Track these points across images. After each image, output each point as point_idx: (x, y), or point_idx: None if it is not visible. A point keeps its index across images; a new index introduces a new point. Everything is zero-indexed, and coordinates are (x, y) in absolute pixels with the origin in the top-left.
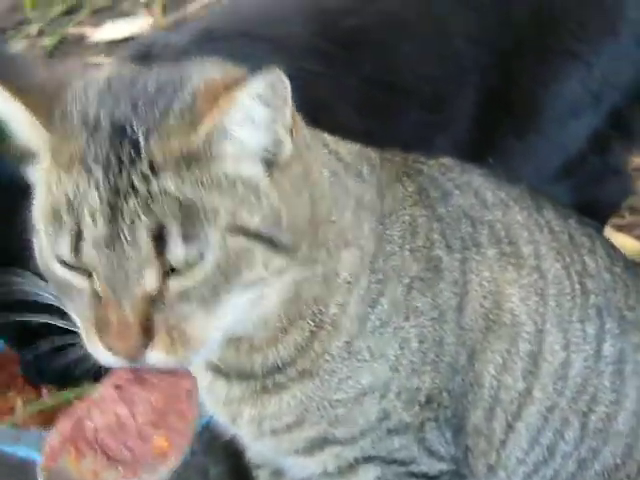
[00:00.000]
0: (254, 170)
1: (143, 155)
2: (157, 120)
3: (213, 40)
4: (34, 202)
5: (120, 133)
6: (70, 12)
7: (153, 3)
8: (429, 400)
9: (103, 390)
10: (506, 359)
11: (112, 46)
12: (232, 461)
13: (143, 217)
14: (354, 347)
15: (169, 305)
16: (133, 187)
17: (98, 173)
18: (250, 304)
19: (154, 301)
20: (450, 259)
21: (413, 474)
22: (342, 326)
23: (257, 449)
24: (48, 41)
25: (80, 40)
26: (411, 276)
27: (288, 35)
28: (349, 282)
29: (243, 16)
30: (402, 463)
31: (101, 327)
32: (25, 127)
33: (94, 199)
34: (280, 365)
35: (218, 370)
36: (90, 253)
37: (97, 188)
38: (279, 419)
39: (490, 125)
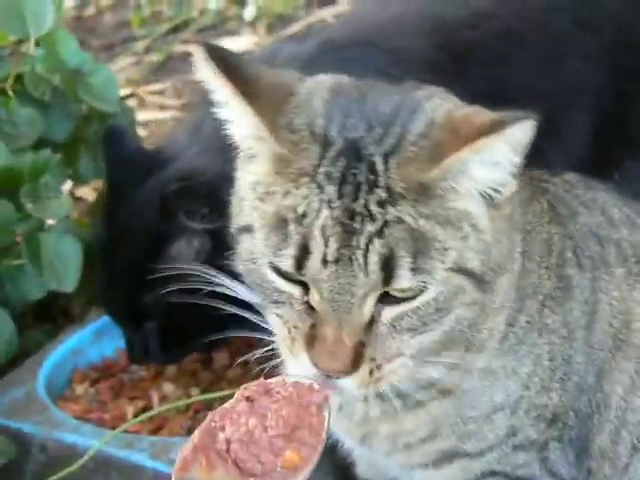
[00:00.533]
0: (479, 210)
1: (381, 180)
2: (394, 145)
3: (336, 50)
4: (236, 195)
5: (355, 153)
6: (176, 30)
7: (258, 22)
8: (555, 418)
9: (235, 402)
10: (635, 380)
11: None
12: (339, 474)
13: (377, 243)
14: (492, 366)
15: (380, 334)
16: (370, 212)
17: (331, 192)
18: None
19: (369, 328)
20: (581, 278)
21: None
22: (487, 347)
23: (380, 464)
24: (154, 58)
25: (186, 57)
26: (544, 294)
27: (408, 47)
28: (502, 306)
29: (365, 27)
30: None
31: (312, 341)
32: (246, 127)
33: (327, 218)
34: (426, 385)
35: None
36: (316, 270)
37: (330, 207)
38: (413, 434)
39: (606, 146)
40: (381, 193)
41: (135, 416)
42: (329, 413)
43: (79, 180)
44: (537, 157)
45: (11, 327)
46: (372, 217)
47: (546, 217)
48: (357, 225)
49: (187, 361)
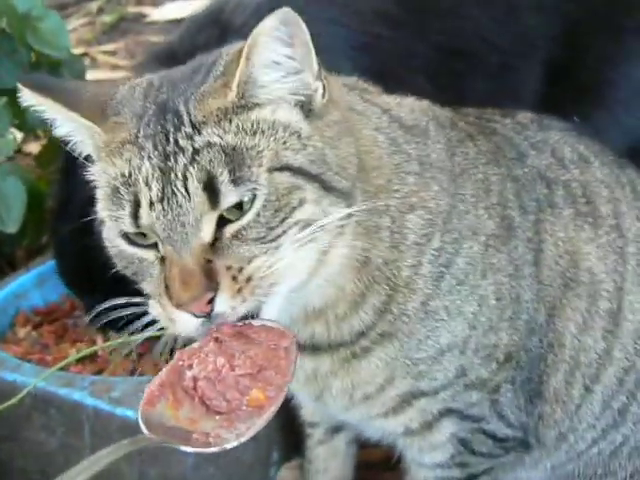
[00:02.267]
0: (292, 115)
1: (185, 119)
2: (194, 89)
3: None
4: (98, 201)
5: (163, 108)
6: None
7: None
8: (507, 358)
9: (203, 342)
10: (586, 318)
11: (170, 25)
12: (283, 419)
13: (192, 169)
14: (431, 307)
15: (227, 248)
16: (179, 147)
17: (149, 146)
18: (314, 254)
19: (214, 248)
20: (522, 220)
21: (483, 431)
22: (417, 287)
23: (343, 418)
24: (107, 19)
25: (139, 19)
26: (487, 234)
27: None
28: (418, 243)
29: None
30: (475, 419)
31: (169, 286)
32: (80, 132)
33: (147, 167)
34: (364, 330)
35: (305, 347)
36: (147, 215)
37: (149, 158)
38: (370, 383)
39: (555, 100)
40: (186, 129)
41: (78, 360)
42: (296, 357)
43: (26, 129)
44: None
45: None
46: (182, 150)
47: (483, 159)
48: (171, 162)
49: None
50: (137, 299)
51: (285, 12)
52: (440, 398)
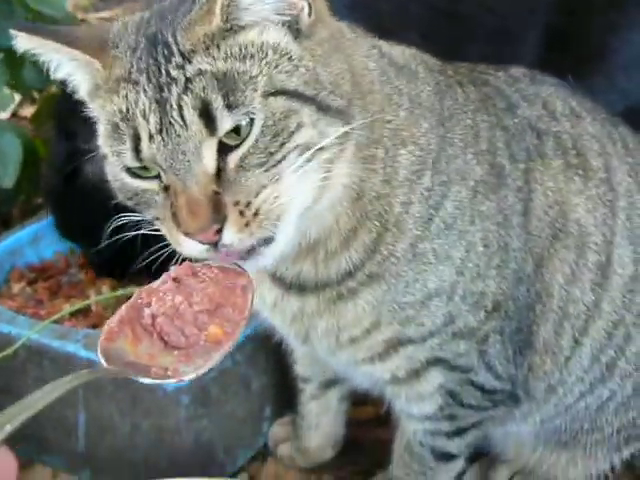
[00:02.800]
0: (280, 36)
1: (174, 49)
2: (181, 19)
3: None
4: (99, 137)
5: (153, 41)
6: None
7: None
8: (495, 307)
9: (161, 282)
10: (574, 270)
11: None
12: (276, 376)
13: (186, 98)
14: (419, 249)
15: (232, 180)
16: (172, 77)
17: (143, 80)
18: (317, 178)
19: (219, 180)
20: (513, 168)
21: (472, 383)
22: (406, 227)
23: (329, 363)
24: None
25: None
26: (475, 180)
27: None
28: (410, 179)
29: None
30: (463, 370)
31: (176, 215)
32: (80, 70)
33: (143, 101)
34: (352, 269)
35: (291, 286)
36: (148, 148)
37: (144, 92)
38: (357, 326)
39: (553, 62)
40: (176, 59)
41: (72, 314)
42: (253, 295)
43: (22, 89)
44: None
45: None
46: (175, 80)
47: (472, 106)
48: (165, 94)
49: None
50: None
51: None
52: (428, 346)
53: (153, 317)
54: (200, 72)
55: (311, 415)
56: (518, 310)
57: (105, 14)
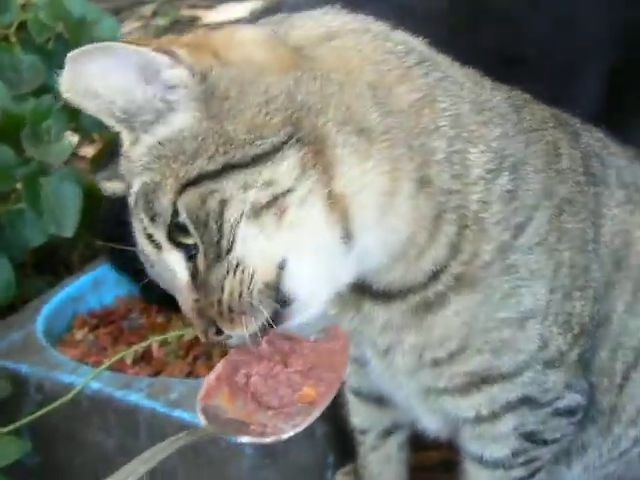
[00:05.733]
0: (163, 131)
1: None
2: None
3: None
4: None
5: None
6: None
7: None
8: (583, 330)
9: (256, 345)
10: (632, 302)
11: None
12: (338, 424)
13: (138, 226)
14: (510, 261)
15: (205, 281)
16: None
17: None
18: (316, 213)
19: (197, 287)
20: (588, 188)
21: (557, 412)
22: (487, 227)
23: (397, 396)
24: (161, 22)
25: (193, 22)
26: (560, 197)
27: (418, 1)
28: (484, 178)
29: None
30: (550, 403)
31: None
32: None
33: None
34: (438, 269)
35: (377, 296)
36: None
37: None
38: (442, 345)
39: (618, 104)
40: None
41: (134, 362)
42: (348, 354)
43: (81, 132)
44: None
45: (9, 270)
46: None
47: (551, 123)
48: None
49: None
50: None
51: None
52: (519, 382)
53: (247, 376)
54: (135, 195)
55: (372, 465)
56: (593, 330)
57: None
